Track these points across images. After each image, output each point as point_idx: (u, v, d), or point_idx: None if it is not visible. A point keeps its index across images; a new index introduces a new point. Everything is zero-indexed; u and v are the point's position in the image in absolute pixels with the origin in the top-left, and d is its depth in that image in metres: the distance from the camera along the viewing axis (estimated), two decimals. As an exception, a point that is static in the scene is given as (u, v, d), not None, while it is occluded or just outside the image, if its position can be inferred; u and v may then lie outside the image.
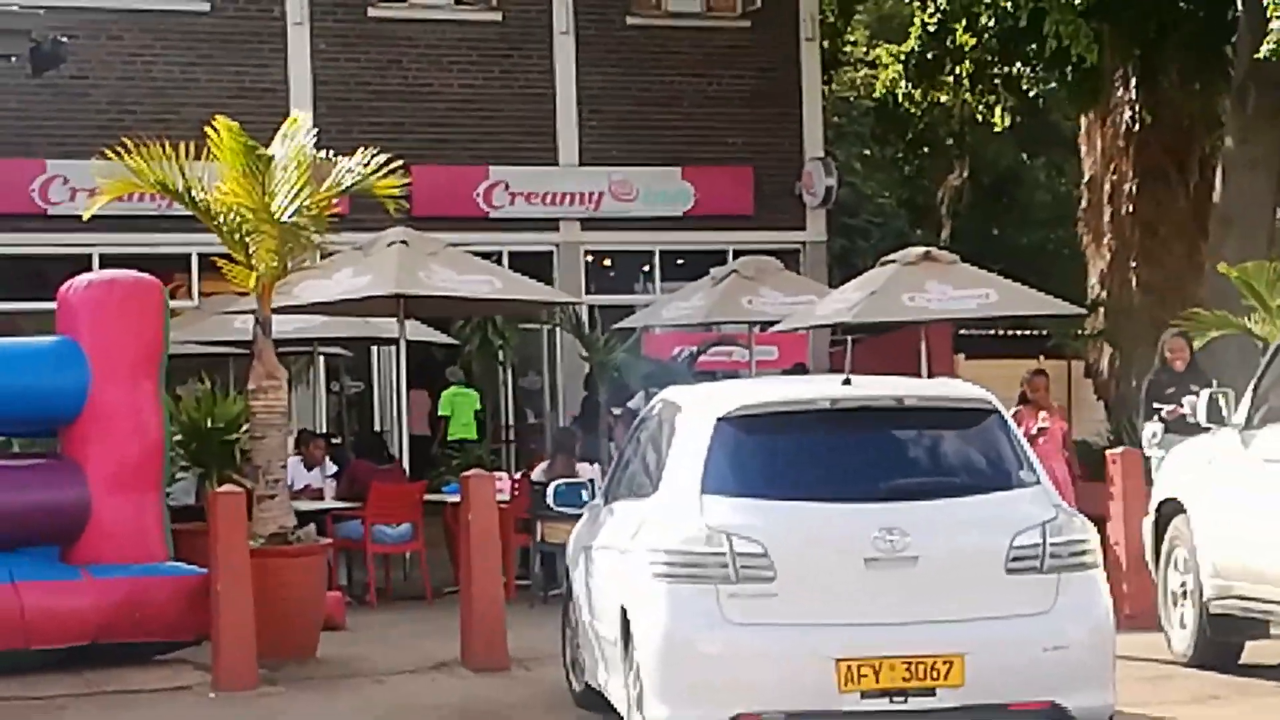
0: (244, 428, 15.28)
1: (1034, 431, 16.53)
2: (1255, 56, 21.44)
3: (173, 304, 16.53)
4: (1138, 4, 24.60)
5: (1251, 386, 12.70)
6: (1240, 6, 23.69)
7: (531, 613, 15.69)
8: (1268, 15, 20.37)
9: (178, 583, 13.53)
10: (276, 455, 14.12)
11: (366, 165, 14.38)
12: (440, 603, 16.70)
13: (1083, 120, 27.89)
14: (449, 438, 23.52)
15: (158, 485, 13.90)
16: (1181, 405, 15.50)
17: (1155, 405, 16.20)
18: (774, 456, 9.61)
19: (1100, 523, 11.75)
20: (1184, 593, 12.95)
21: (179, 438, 16.13)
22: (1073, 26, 22.50)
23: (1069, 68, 24.80)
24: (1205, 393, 12.83)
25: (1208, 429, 13.02)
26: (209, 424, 16.54)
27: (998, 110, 28.56)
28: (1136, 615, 13.81)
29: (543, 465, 17.84)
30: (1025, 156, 37.92)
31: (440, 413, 24.35)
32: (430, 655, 13.73)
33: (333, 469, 19.24)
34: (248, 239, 14.11)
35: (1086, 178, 28.36)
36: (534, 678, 12.89)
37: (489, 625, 13.22)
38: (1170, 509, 13.23)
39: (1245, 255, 20.30)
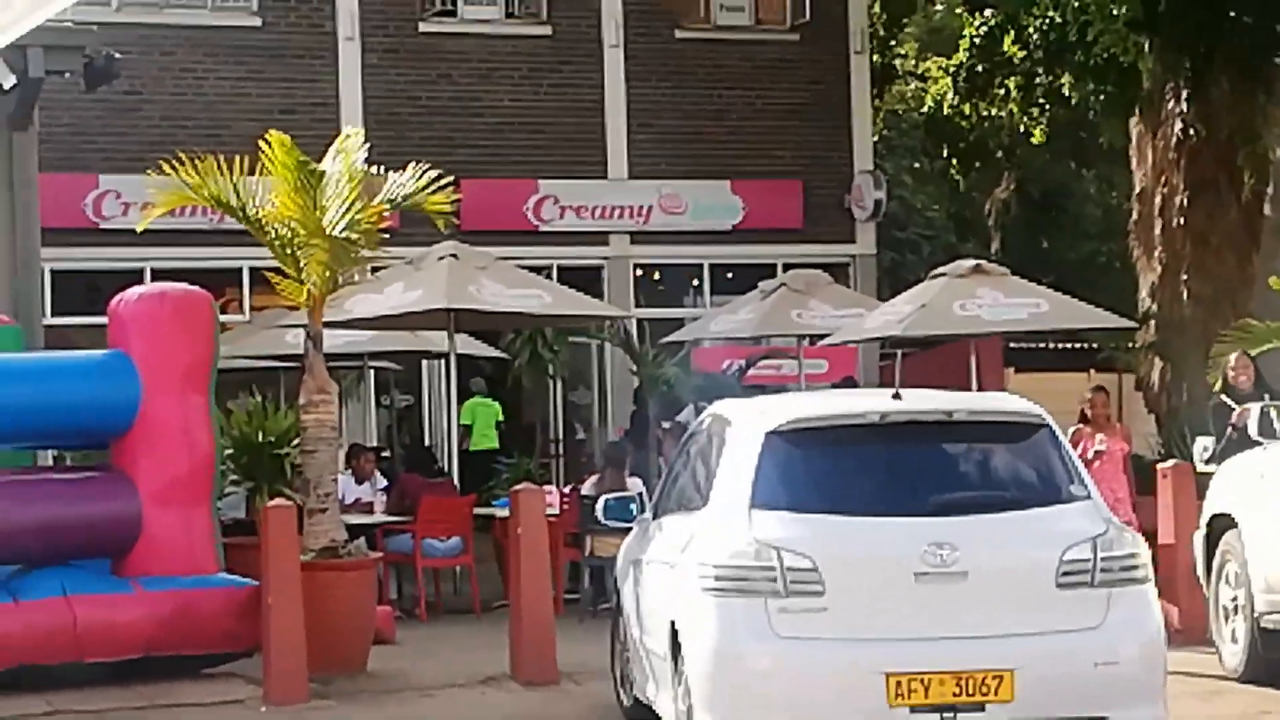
0: (295, 442, 15.33)
1: (1089, 455, 15.87)
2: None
3: (224, 318, 16.63)
4: (1187, 16, 24.52)
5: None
6: (1291, 18, 23.62)
7: (581, 627, 15.69)
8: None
9: (229, 595, 13.59)
10: (327, 469, 14.16)
11: (417, 180, 14.43)
12: (490, 617, 16.72)
13: (1133, 133, 27.80)
14: (471, 449, 23.55)
15: (208, 498, 13.95)
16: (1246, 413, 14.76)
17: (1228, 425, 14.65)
18: (823, 470, 9.61)
19: (1151, 537, 11.70)
20: (1235, 608, 12.89)
21: (230, 451, 16.19)
22: (1118, 35, 22.44)
23: (1113, 78, 24.75)
24: (1256, 407, 12.78)
25: (1259, 443, 12.96)
26: (260, 438, 16.60)
27: (1038, 127, 28.49)
28: (1188, 630, 13.75)
29: (593, 479, 17.84)
30: (1075, 168, 37.79)
31: (461, 421, 24.44)
32: (480, 669, 13.74)
33: (383, 483, 19.28)
34: (299, 253, 14.17)
35: (1137, 190, 28.24)
36: (583, 692, 12.89)
37: (538, 639, 13.23)
38: (1222, 524, 13.17)
39: (1298, 267, 20.22)
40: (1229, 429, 14.05)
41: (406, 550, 17.70)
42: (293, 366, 19.37)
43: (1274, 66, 25.43)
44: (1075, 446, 13.56)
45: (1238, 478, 13.21)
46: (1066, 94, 27.81)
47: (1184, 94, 26.45)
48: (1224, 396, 15.27)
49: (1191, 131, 26.59)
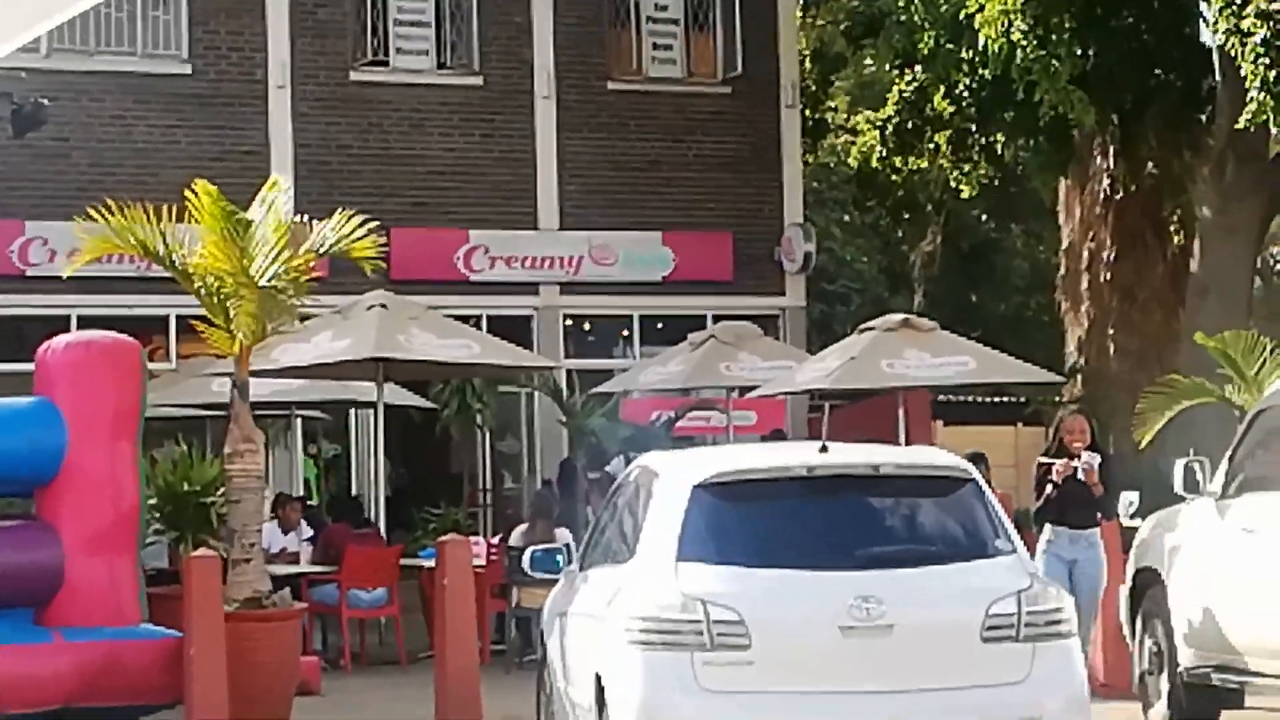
0: (220, 491, 15.24)
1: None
2: (1235, 127, 21.60)
3: (151, 366, 16.50)
4: (1116, 73, 24.76)
5: (1227, 456, 12.72)
6: (1218, 77, 23.86)
7: (507, 678, 15.64)
8: (1246, 86, 20.52)
9: (151, 646, 13.46)
10: (252, 519, 14.09)
11: (344, 229, 14.40)
12: (415, 668, 16.64)
13: (1061, 188, 28.03)
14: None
15: (133, 548, 13.82)
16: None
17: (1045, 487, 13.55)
18: (750, 524, 9.61)
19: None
20: (1160, 662, 12.94)
21: (154, 500, 16.06)
22: (1063, 93, 22.64)
23: (1047, 136, 24.95)
24: (1180, 462, 12.85)
25: (1184, 498, 13.02)
26: (185, 487, 16.46)
27: (966, 181, 28.69)
28: (1113, 684, 13.80)
29: (521, 529, 17.80)
30: (1002, 223, 38.05)
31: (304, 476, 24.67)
32: (405, 720, 13.68)
33: (309, 532, 19.17)
34: (227, 302, 14.11)
35: (1065, 244, 28.48)
36: (509, 744, 12.84)
37: (464, 690, 13.18)
38: (1147, 578, 13.23)
39: (1223, 323, 20.38)
40: (1049, 484, 13.38)
41: (332, 600, 17.61)
42: (219, 415, 19.25)
43: (1200, 124, 25.69)
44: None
45: (1161, 532, 13.27)
46: (998, 150, 28.02)
47: (1111, 150, 26.70)
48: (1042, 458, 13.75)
49: (1119, 187, 26.83)
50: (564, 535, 17.16)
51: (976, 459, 15.53)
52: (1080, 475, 13.28)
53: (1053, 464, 13.42)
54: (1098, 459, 13.42)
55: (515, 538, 17.42)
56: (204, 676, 12.59)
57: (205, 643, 12.64)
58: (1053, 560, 13.23)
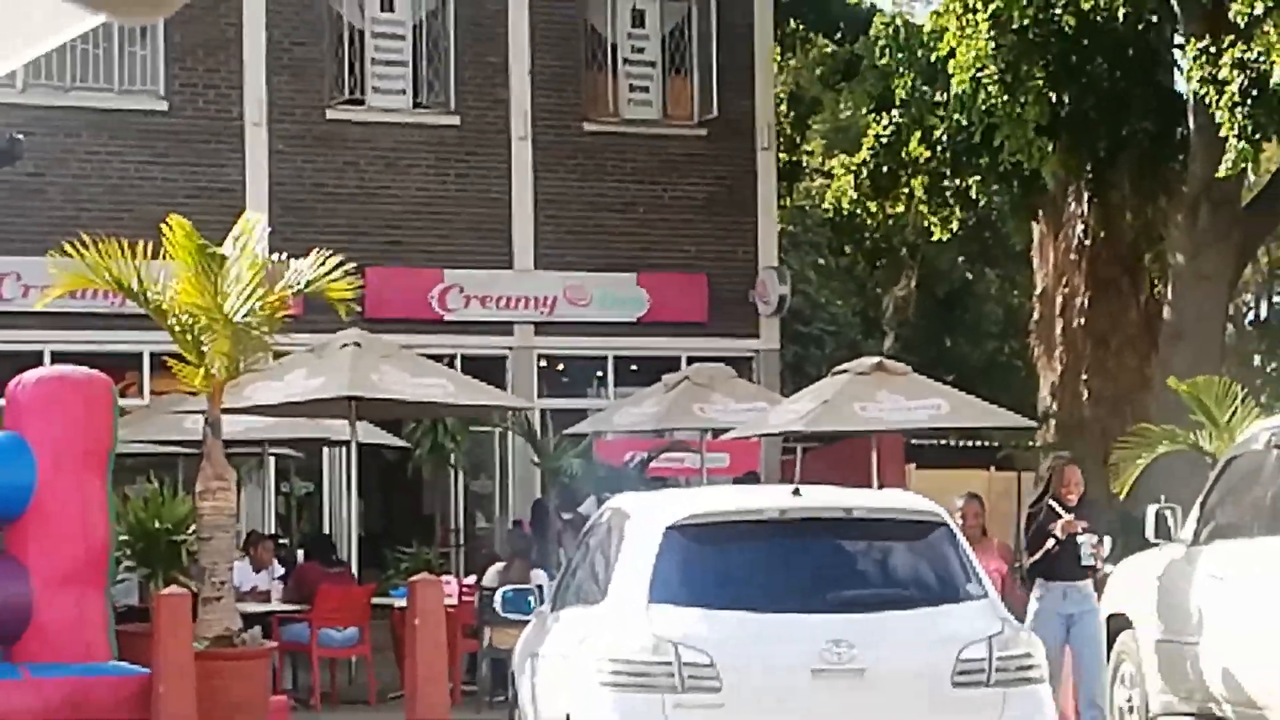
0: (191, 529, 15.19)
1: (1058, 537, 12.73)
2: (1216, 176, 21.69)
3: (123, 402, 16.49)
4: (1089, 121, 24.87)
5: (1199, 503, 12.75)
6: (1191, 125, 23.98)
7: (478, 718, 15.58)
8: (1223, 134, 20.61)
9: (120, 683, 13.40)
10: (223, 557, 14.03)
11: (320, 267, 14.39)
12: (385, 708, 16.59)
13: (1035, 233, 28.12)
14: None
15: (102, 585, 13.78)
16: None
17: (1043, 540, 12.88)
18: (722, 566, 9.61)
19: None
20: (1130, 708, 12.96)
21: (125, 537, 16.02)
22: (1024, 141, 22.74)
23: (1018, 182, 25.05)
24: (1152, 508, 12.87)
25: (1155, 544, 13.05)
26: (156, 524, 16.45)
27: (940, 224, 28.79)
28: (1083, 730, 13.78)
29: (496, 568, 17.79)
30: (977, 268, 38.15)
31: None
32: (374, 761, 13.62)
33: (280, 571, 19.12)
34: (200, 339, 14.09)
35: (1039, 290, 28.56)
36: (478, 785, 12.80)
37: (434, 731, 13.14)
38: (1118, 623, 13.24)
39: (1195, 370, 20.44)
40: (1050, 539, 12.66)
41: (303, 639, 17.55)
42: (192, 452, 19.22)
43: (1173, 171, 25.80)
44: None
45: (1133, 578, 13.29)
46: (972, 195, 28.12)
47: (1085, 196, 26.80)
48: (1053, 502, 13.10)
49: (1092, 234, 26.92)
50: (539, 576, 17.17)
51: (972, 498, 14.91)
52: (1088, 556, 12.64)
53: (1056, 518, 12.78)
54: (1108, 540, 12.90)
55: (490, 577, 17.40)
56: (173, 715, 12.54)
57: (174, 680, 12.59)
58: (1049, 616, 12.63)
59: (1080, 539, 12.64)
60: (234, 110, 24.39)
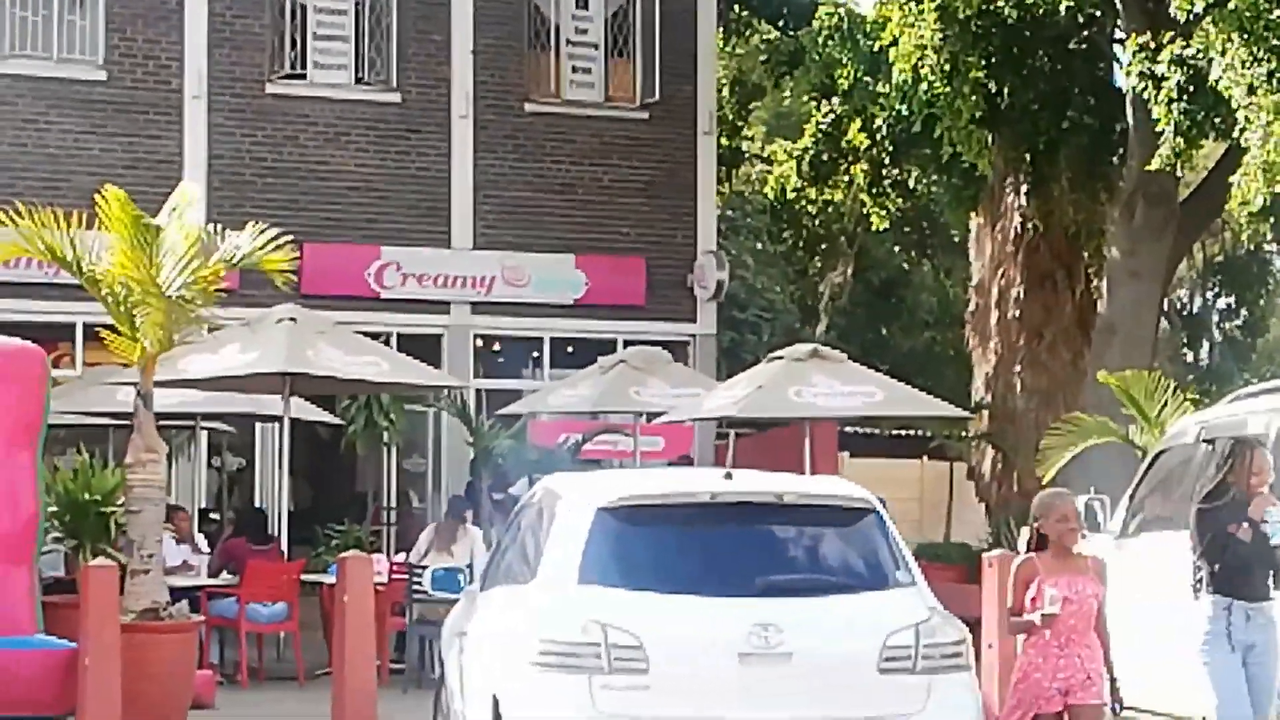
0: (120, 501, 15.12)
1: (1043, 611, 9.74)
2: (1145, 169, 21.80)
3: (55, 373, 16.38)
4: (1029, 114, 24.97)
5: (1128, 495, 12.83)
6: (1130, 120, 24.10)
7: (405, 697, 15.57)
8: (1158, 129, 20.72)
9: (46, 656, 13.32)
10: (152, 530, 13.98)
11: (256, 240, 14.33)
12: (312, 685, 16.55)
13: (973, 224, 28.22)
14: None
15: (30, 557, 13.71)
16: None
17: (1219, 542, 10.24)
18: (653, 548, 9.61)
19: (974, 625, 11.79)
20: (1055, 698, 12.99)
21: (54, 509, 15.93)
22: (964, 133, 22.81)
23: (957, 172, 25.13)
24: (1081, 499, 12.93)
25: (1084, 536, 13.10)
26: (85, 496, 16.35)
27: (879, 213, 28.87)
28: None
29: (432, 525, 17.99)
30: (914, 257, 38.25)
31: None
32: (300, 737, 13.60)
33: (206, 545, 19.07)
34: (134, 311, 14.01)
35: (975, 281, 28.68)
36: (404, 763, 12.79)
37: (360, 709, 13.11)
38: (1044, 614, 13.28)
39: (1128, 364, 20.56)
40: (1232, 541, 10.09)
41: (230, 614, 17.50)
42: (123, 424, 19.11)
43: (1112, 166, 25.92)
44: (1024, 587, 9.84)
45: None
46: (912, 186, 28.20)
47: (1024, 189, 26.91)
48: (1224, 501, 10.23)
49: (1030, 226, 27.04)
50: (474, 534, 17.32)
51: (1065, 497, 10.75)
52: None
53: (1242, 514, 10.05)
54: None
55: (426, 536, 17.59)
56: (98, 688, 12.47)
57: (100, 654, 12.52)
58: (1224, 643, 10.14)
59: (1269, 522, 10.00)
60: (173, 82, 24.26)
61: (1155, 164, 20.81)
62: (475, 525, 18.29)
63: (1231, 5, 18.95)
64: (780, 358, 19.32)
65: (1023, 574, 9.89)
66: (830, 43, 25.59)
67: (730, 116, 32.63)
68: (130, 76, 24.12)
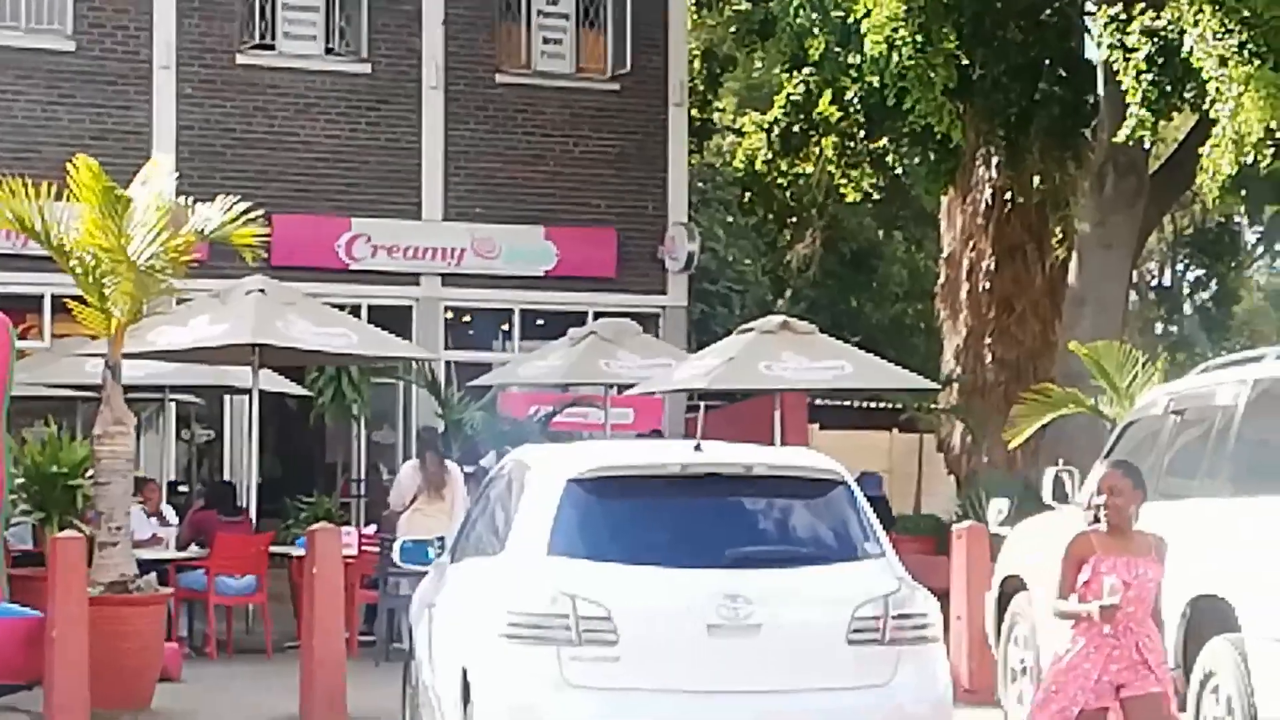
0: (88, 473, 15.08)
1: (1102, 603, 8.80)
2: (1114, 141, 21.81)
3: (22, 345, 16.31)
4: (1001, 86, 24.94)
5: (1097, 466, 12.81)
6: (1101, 92, 24.09)
7: (375, 670, 15.55)
8: (1126, 100, 20.73)
9: (13, 626, 13.29)
10: (120, 502, 13.94)
11: (226, 213, 14.29)
12: (281, 657, 16.52)
13: (944, 196, 28.21)
14: None
15: (-4, 528, 13.68)
16: None
17: None
18: (622, 520, 9.60)
19: (943, 597, 11.81)
20: (1024, 669, 13.05)
21: (22, 480, 15.87)
22: (935, 104, 22.78)
23: (931, 145, 25.10)
24: (1050, 471, 12.95)
25: (1052, 507, 13.13)
26: (53, 468, 16.28)
27: (851, 185, 28.84)
28: (977, 690, 13.90)
29: (412, 463, 17.91)
30: (886, 229, 38.24)
31: None
32: (268, 711, 13.59)
33: (174, 518, 19.02)
34: (103, 281, 13.96)
35: (945, 253, 28.66)
36: (373, 736, 12.78)
37: (329, 681, 13.10)
38: (1013, 586, 13.34)
39: (1098, 335, 20.59)
40: None
41: (199, 587, 17.46)
42: (91, 397, 19.06)
43: (1083, 138, 25.93)
44: (1076, 567, 8.98)
45: (1029, 540, 13.38)
46: (884, 158, 28.17)
47: (995, 161, 26.90)
48: None
49: (1000, 198, 27.04)
50: (457, 471, 17.26)
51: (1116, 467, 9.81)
52: None
53: None
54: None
55: (406, 473, 17.67)
56: (65, 658, 12.45)
57: (68, 625, 12.50)
58: None
59: None
60: (142, 52, 24.16)
61: (1121, 135, 20.81)
62: (456, 464, 18.22)
63: (1203, -23, 18.96)
64: (750, 330, 19.32)
65: (1075, 552, 8.95)
66: (801, 12, 25.52)
67: (701, 88, 32.56)
68: (99, 46, 24.02)
